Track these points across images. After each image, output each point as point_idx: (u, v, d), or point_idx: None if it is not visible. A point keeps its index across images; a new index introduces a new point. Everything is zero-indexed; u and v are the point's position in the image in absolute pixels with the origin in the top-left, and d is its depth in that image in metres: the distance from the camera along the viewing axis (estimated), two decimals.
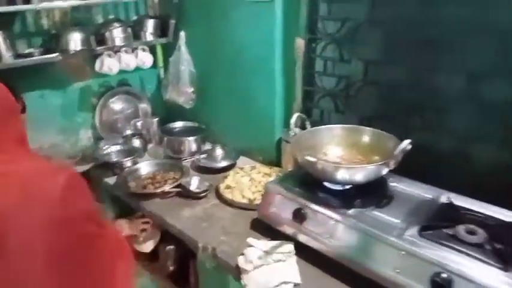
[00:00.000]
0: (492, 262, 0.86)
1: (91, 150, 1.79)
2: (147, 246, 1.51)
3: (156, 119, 1.85)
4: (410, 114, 1.27)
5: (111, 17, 1.78)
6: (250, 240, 1.13)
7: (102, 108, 1.85)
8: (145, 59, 1.80)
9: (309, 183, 1.18)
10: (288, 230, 1.14)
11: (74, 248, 0.71)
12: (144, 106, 1.95)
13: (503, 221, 1.00)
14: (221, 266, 1.14)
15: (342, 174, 1.10)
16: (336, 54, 1.42)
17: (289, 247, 1.09)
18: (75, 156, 1.75)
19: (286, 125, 1.53)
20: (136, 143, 1.78)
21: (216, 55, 1.73)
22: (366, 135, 1.28)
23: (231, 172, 1.56)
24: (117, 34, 1.69)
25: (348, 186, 1.15)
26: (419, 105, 1.25)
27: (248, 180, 1.50)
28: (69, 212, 0.71)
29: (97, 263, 0.76)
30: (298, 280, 1.01)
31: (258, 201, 1.32)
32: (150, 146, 1.82)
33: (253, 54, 1.58)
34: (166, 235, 1.44)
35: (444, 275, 0.85)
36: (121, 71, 1.77)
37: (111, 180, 1.57)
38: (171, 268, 1.51)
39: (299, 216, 1.10)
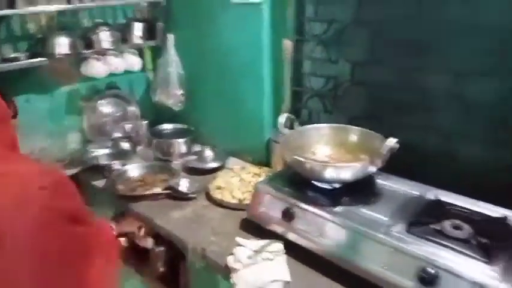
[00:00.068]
0: (477, 256, 0.87)
1: (79, 153, 1.78)
2: (148, 242, 1.50)
3: (145, 121, 1.84)
4: (397, 113, 1.29)
5: (99, 20, 1.77)
6: (239, 239, 1.13)
7: (90, 111, 1.84)
8: (133, 62, 1.79)
9: (298, 182, 1.19)
10: (277, 229, 1.14)
11: (58, 248, 0.71)
12: (133, 109, 1.94)
13: (488, 215, 1.02)
14: (211, 266, 1.14)
15: (329, 173, 1.11)
16: (323, 55, 1.43)
17: (279, 246, 1.10)
18: (63, 160, 1.74)
19: (275, 125, 1.54)
20: (126, 145, 1.77)
21: (205, 57, 1.74)
22: (354, 134, 1.29)
23: (221, 173, 1.57)
24: (105, 37, 1.68)
25: (336, 185, 1.16)
26: (406, 104, 1.26)
27: (238, 181, 1.50)
28: (54, 213, 0.71)
29: (81, 262, 0.76)
30: (287, 278, 1.01)
31: (247, 201, 1.33)
32: (139, 148, 1.82)
33: (242, 56, 1.58)
34: (157, 237, 1.44)
35: (431, 270, 0.86)
36: (109, 74, 1.77)
37: (100, 183, 1.57)
38: (162, 270, 1.50)
39: (288, 215, 1.11)
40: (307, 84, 1.52)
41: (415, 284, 0.87)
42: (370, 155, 1.15)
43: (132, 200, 1.43)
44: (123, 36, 1.76)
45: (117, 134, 1.85)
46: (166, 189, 1.44)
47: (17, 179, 0.72)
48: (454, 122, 1.19)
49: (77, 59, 1.68)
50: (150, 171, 1.60)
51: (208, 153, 1.67)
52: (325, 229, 1.05)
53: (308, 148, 1.31)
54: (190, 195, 1.43)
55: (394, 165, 1.13)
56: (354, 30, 1.33)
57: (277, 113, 1.57)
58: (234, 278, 1.03)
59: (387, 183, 1.19)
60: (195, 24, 1.72)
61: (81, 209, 0.82)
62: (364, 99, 1.37)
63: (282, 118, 1.35)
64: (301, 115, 1.56)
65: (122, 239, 1.54)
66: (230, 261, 1.07)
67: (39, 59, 1.55)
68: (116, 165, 1.62)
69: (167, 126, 1.88)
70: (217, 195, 1.41)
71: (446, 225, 0.96)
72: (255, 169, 1.58)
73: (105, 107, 1.89)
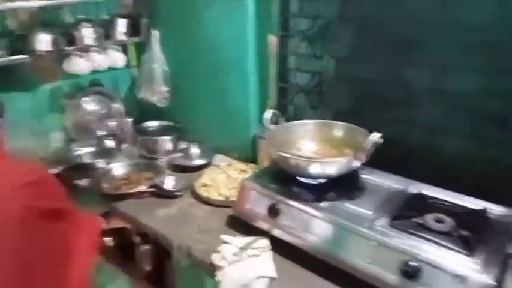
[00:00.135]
0: (458, 249, 0.89)
1: (63, 152, 1.75)
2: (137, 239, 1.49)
3: (130, 119, 1.82)
4: (381, 108, 1.30)
5: (81, 17, 1.74)
6: (224, 237, 1.13)
7: (73, 109, 1.82)
8: (117, 58, 1.77)
9: (283, 178, 1.19)
10: (263, 225, 1.14)
11: (38, 247, 0.70)
12: (117, 106, 1.91)
13: (469, 208, 1.04)
14: (196, 264, 1.14)
15: (314, 169, 1.11)
16: (308, 51, 1.43)
17: (264, 242, 1.10)
18: (46, 159, 1.71)
19: (262, 121, 1.54)
20: (110, 143, 1.75)
21: (190, 53, 1.72)
22: (339, 129, 1.30)
23: (207, 170, 1.56)
24: (87, 34, 1.66)
25: (321, 180, 1.17)
26: (390, 99, 1.28)
27: (224, 178, 1.50)
28: (35, 212, 0.70)
29: (61, 262, 0.75)
30: (273, 274, 1.01)
31: (234, 198, 1.32)
32: (124, 146, 1.79)
33: (227, 52, 1.58)
34: (143, 235, 1.43)
35: (413, 263, 0.87)
36: (93, 71, 1.74)
37: (84, 182, 1.55)
38: (148, 268, 1.49)
39: (273, 211, 1.11)
40: (292, 80, 1.52)
41: (399, 278, 0.88)
42: (355, 150, 1.15)
43: (117, 198, 1.41)
44: (106, 32, 1.74)
45: (101, 132, 1.82)
46: (151, 187, 1.43)
47: None
48: (436, 117, 1.20)
49: (59, 55, 1.65)
50: (135, 170, 1.58)
51: (195, 150, 1.66)
52: (310, 224, 1.05)
53: (293, 144, 1.32)
54: (175, 193, 1.42)
55: (378, 160, 1.14)
56: (339, 26, 1.33)
57: (263, 109, 1.56)
58: (219, 275, 1.03)
59: (371, 177, 1.20)
60: (179, 20, 1.71)
61: (64, 207, 0.81)
62: (348, 95, 1.37)
63: (268, 114, 1.35)
64: (287, 111, 1.56)
65: (108, 239, 1.54)
66: (215, 258, 1.07)
67: (20, 56, 1.52)
68: (100, 163, 1.60)
69: (152, 124, 1.86)
70: (203, 192, 1.40)
71: (429, 218, 0.97)
72: (241, 166, 1.57)
73: (89, 105, 1.86)
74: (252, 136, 1.62)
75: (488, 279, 0.81)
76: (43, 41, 1.56)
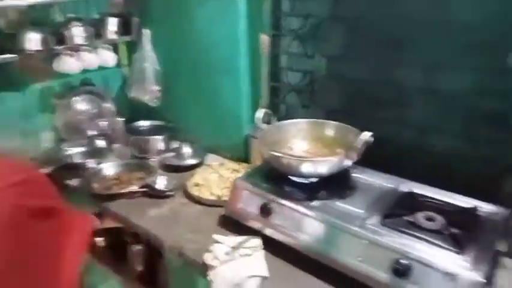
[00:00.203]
0: (449, 247, 0.89)
1: (53, 152, 1.74)
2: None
3: (121, 118, 1.81)
4: (373, 107, 1.30)
5: (71, 15, 1.72)
6: (216, 236, 1.12)
7: (64, 109, 1.80)
8: (107, 57, 1.76)
9: (275, 177, 1.19)
10: (255, 224, 1.14)
11: (28, 247, 0.69)
12: (109, 106, 1.90)
13: (460, 207, 1.05)
14: (188, 264, 1.13)
15: (306, 168, 1.11)
16: (300, 50, 1.43)
17: (256, 241, 1.10)
18: (37, 159, 1.69)
19: (254, 121, 1.54)
20: (101, 143, 1.74)
21: (181, 52, 1.71)
22: (330, 128, 1.30)
23: (199, 170, 1.56)
24: (78, 33, 1.64)
25: (313, 179, 1.17)
26: (382, 99, 1.28)
27: (216, 177, 1.49)
28: (24, 211, 0.70)
29: (51, 261, 0.75)
30: (265, 273, 1.01)
31: (226, 198, 1.32)
32: (115, 146, 1.78)
33: (219, 51, 1.57)
34: (135, 235, 1.42)
35: (404, 262, 0.87)
36: (83, 71, 1.72)
37: (74, 182, 1.53)
38: (140, 269, 1.48)
39: (265, 210, 1.11)
40: (284, 79, 1.52)
41: (390, 276, 0.89)
42: (346, 149, 1.16)
43: (108, 198, 1.40)
44: (97, 31, 1.72)
45: (92, 132, 1.80)
46: (142, 187, 1.42)
47: None
48: (427, 116, 1.21)
49: (49, 55, 1.63)
50: (127, 169, 1.57)
51: (186, 150, 1.65)
52: (302, 223, 1.05)
53: (285, 143, 1.32)
54: (167, 193, 1.41)
55: (370, 159, 1.14)
56: (330, 25, 1.33)
57: (255, 108, 1.56)
58: (211, 275, 1.03)
59: (363, 176, 1.20)
60: (171, 18, 1.70)
61: (55, 206, 0.81)
62: (340, 94, 1.38)
63: (259, 113, 1.35)
64: (279, 110, 1.56)
65: (100, 239, 1.53)
66: (207, 258, 1.06)
67: (8, 55, 1.50)
68: (91, 163, 1.59)
69: (144, 123, 1.85)
70: (195, 192, 1.40)
71: (420, 216, 0.98)
72: (233, 165, 1.57)
73: (80, 104, 1.85)
74: (244, 135, 1.62)
75: (478, 276, 0.82)
76: (32, 40, 1.54)
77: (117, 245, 1.51)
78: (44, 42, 1.57)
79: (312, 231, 1.03)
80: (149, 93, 1.72)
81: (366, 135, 1.08)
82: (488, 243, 0.93)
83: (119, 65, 1.89)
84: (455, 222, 0.96)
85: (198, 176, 1.49)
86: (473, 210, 1.02)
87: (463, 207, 1.04)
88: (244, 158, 1.62)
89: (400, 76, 1.23)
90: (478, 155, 1.13)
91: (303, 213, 1.05)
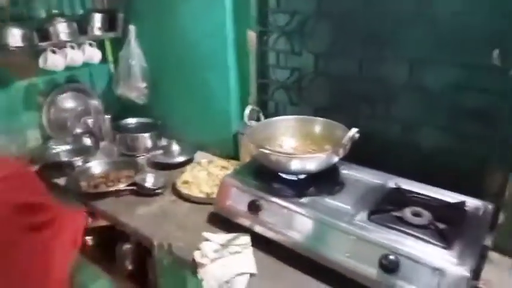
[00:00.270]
0: (435, 242, 0.90)
1: (40, 150, 1.71)
2: None
3: (108, 116, 1.79)
4: (359, 103, 1.30)
5: (55, 11, 1.69)
6: (206, 234, 1.12)
7: (49, 106, 1.77)
8: (93, 54, 1.73)
9: (264, 174, 1.19)
10: (245, 221, 1.14)
11: (14, 243, 0.68)
12: (95, 103, 1.88)
13: (446, 202, 1.06)
14: (178, 262, 1.13)
15: (294, 165, 1.11)
16: (287, 47, 1.43)
17: (246, 239, 1.10)
18: (23, 157, 1.67)
19: (243, 117, 1.53)
20: (88, 141, 1.72)
21: (168, 49, 1.70)
22: (318, 125, 1.30)
23: (188, 167, 1.55)
24: (62, 29, 1.61)
25: (301, 176, 1.17)
26: (368, 94, 1.28)
27: (205, 174, 1.49)
28: (9, 207, 0.68)
29: (41, 258, 0.74)
30: (254, 270, 1.01)
31: (215, 195, 1.32)
32: (103, 144, 1.76)
33: (206, 47, 1.56)
34: (124, 234, 1.41)
35: (391, 257, 0.88)
36: (68, 67, 1.70)
37: (61, 181, 1.51)
38: (130, 268, 1.47)
39: (254, 207, 1.11)
40: (272, 76, 1.51)
41: (378, 272, 0.89)
42: (334, 145, 1.16)
43: (96, 197, 1.39)
44: (81, 27, 1.70)
45: (79, 130, 1.78)
46: (131, 185, 1.41)
47: None
48: (413, 110, 1.21)
49: (33, 51, 1.61)
50: (114, 167, 1.55)
51: (175, 147, 1.64)
52: (290, 220, 1.05)
53: (274, 140, 1.31)
54: (156, 191, 1.40)
55: (358, 155, 1.15)
56: (316, 22, 1.33)
57: (244, 105, 1.56)
58: (201, 273, 1.03)
59: (351, 172, 1.21)
60: (156, 14, 1.68)
61: (44, 202, 0.79)
62: (327, 90, 1.37)
63: (247, 110, 1.34)
64: (268, 107, 1.56)
65: (89, 238, 1.51)
66: (197, 256, 1.06)
67: None
68: (78, 161, 1.57)
69: (131, 120, 1.84)
70: (184, 190, 1.39)
71: (407, 212, 0.98)
72: (223, 162, 1.57)
73: (66, 102, 1.82)
74: (233, 132, 1.61)
75: (464, 271, 0.83)
76: (16, 36, 1.51)
77: (106, 244, 1.50)
78: (27, 38, 1.54)
79: (300, 227, 1.03)
80: (136, 90, 1.70)
81: (352, 132, 1.09)
82: (475, 238, 0.94)
83: (105, 61, 1.86)
84: (442, 218, 0.97)
85: (187, 174, 1.48)
86: (460, 206, 1.04)
87: (450, 203, 1.05)
88: (234, 155, 1.62)
89: (386, 72, 1.23)
90: (464, 150, 1.14)
91: (292, 210, 1.05)
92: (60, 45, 1.64)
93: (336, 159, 1.11)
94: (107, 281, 1.53)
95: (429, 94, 1.16)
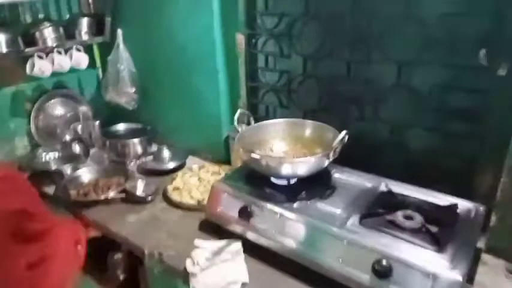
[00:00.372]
0: (428, 246, 0.89)
1: (28, 158, 1.68)
2: None
3: (98, 122, 1.76)
4: (348, 105, 1.30)
5: (42, 16, 1.67)
6: (197, 241, 1.11)
7: (37, 113, 1.75)
8: (80, 59, 1.70)
9: (255, 179, 1.18)
10: (236, 228, 1.13)
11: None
12: (84, 109, 1.85)
13: (437, 204, 1.05)
14: (169, 271, 1.11)
15: (285, 169, 1.10)
16: (276, 49, 1.42)
17: (237, 246, 1.09)
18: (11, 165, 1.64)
19: (233, 121, 1.52)
20: (77, 148, 1.69)
21: (157, 53, 1.68)
22: (308, 128, 1.29)
23: (180, 173, 1.53)
24: (48, 34, 1.59)
25: (293, 180, 1.16)
26: (357, 96, 1.27)
27: (197, 180, 1.47)
28: None
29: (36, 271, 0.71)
30: (245, 279, 1.00)
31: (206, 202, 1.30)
32: (92, 150, 1.74)
33: (194, 51, 1.54)
34: (115, 243, 1.39)
35: (384, 263, 0.87)
36: (56, 73, 1.68)
37: (50, 189, 1.49)
38: (122, 277, 1.45)
39: (245, 213, 1.10)
40: (262, 79, 1.50)
41: (370, 277, 0.88)
42: (325, 148, 1.15)
43: (85, 205, 1.37)
44: (68, 32, 1.68)
45: (68, 136, 1.76)
46: (121, 192, 1.39)
47: None
48: (402, 112, 1.20)
49: (19, 57, 1.58)
50: (104, 175, 1.53)
51: (166, 153, 1.62)
52: (282, 225, 1.04)
53: (265, 144, 1.30)
54: (146, 198, 1.38)
55: (349, 158, 1.14)
56: (304, 24, 1.32)
57: (234, 108, 1.55)
58: (193, 282, 1.01)
59: (343, 176, 1.20)
60: (144, 18, 1.66)
61: (34, 206, 0.76)
62: (317, 93, 1.36)
63: (237, 114, 1.33)
64: (258, 110, 1.55)
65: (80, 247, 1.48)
66: (188, 265, 1.04)
67: None
68: (68, 169, 1.54)
69: (121, 126, 1.82)
70: (175, 196, 1.37)
71: (399, 215, 0.98)
72: (214, 167, 1.55)
73: (54, 108, 1.80)
74: (224, 137, 1.60)
75: (457, 275, 0.82)
76: (1, 42, 1.49)
77: (97, 254, 1.48)
78: (13, 43, 1.51)
79: (292, 233, 1.02)
80: (125, 95, 1.68)
81: (342, 134, 1.08)
82: (468, 241, 0.93)
83: (93, 66, 1.84)
84: (434, 220, 0.97)
85: (178, 180, 1.47)
86: (451, 208, 1.03)
87: (442, 205, 1.04)
88: (225, 159, 1.60)
89: (374, 74, 1.22)
90: (453, 151, 1.13)
91: (283, 215, 1.04)
92: (47, 51, 1.62)
93: (326, 162, 1.10)
94: None
95: (418, 95, 1.16)
